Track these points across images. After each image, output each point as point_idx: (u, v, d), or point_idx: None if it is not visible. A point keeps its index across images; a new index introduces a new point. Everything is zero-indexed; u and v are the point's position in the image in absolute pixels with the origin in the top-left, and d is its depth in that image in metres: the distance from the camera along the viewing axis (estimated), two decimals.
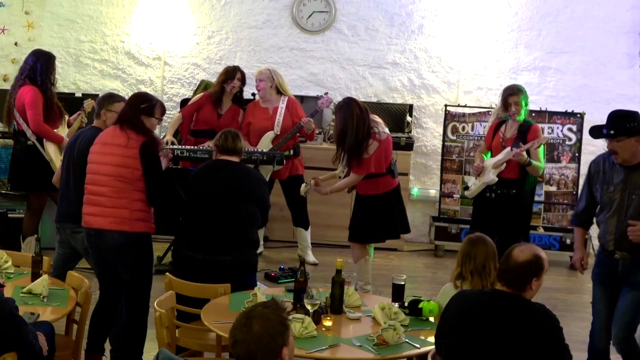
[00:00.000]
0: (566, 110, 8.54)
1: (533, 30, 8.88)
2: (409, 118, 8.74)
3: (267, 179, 7.01)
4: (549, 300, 6.65)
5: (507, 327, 3.50)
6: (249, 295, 4.56)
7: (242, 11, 9.02)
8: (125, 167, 4.80)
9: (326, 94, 7.92)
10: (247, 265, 5.21)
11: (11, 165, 7.30)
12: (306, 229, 7.76)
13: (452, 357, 3.59)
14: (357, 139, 6.19)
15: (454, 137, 8.65)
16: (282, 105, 7.49)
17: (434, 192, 8.95)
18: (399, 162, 6.82)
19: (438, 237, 8.49)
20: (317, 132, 8.00)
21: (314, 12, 8.96)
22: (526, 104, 6.58)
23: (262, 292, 4.61)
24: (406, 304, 4.51)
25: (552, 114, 8.54)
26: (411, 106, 8.85)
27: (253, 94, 7.89)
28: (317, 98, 7.93)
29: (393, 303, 4.57)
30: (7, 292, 4.40)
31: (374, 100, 8.86)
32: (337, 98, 7.74)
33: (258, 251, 6.26)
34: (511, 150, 6.40)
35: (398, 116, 8.70)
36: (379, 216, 6.41)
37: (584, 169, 8.42)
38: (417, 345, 4.09)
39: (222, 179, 5.24)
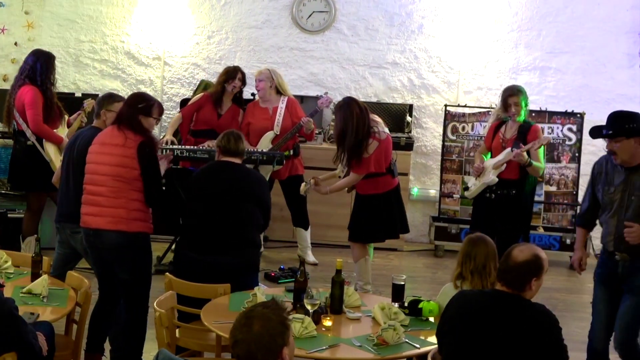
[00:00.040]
0: (566, 110, 8.54)
1: (533, 30, 8.88)
2: (408, 118, 8.74)
3: (267, 179, 7.01)
4: (549, 300, 6.65)
5: (507, 327, 3.50)
6: (248, 295, 4.56)
7: (242, 11, 9.02)
8: (123, 167, 4.79)
9: (326, 93, 7.92)
10: (248, 265, 5.21)
11: (11, 165, 7.30)
12: (306, 229, 7.76)
13: (452, 357, 3.59)
14: (357, 138, 6.20)
15: (454, 137, 8.65)
16: (282, 105, 7.49)
17: (433, 192, 8.95)
18: (399, 162, 6.82)
19: (438, 237, 8.48)
20: (316, 132, 8.00)
21: (313, 12, 8.96)
22: (526, 105, 6.57)
23: (262, 292, 4.61)
24: (406, 304, 4.51)
25: (552, 114, 8.54)
26: (411, 106, 8.85)
27: (253, 94, 7.89)
28: (317, 98, 7.93)
29: (393, 303, 4.57)
30: (7, 292, 4.40)
31: (374, 100, 8.85)
32: (337, 98, 7.73)
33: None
34: (511, 150, 6.39)
35: (398, 116, 8.70)
36: (378, 216, 6.41)
37: (584, 169, 8.46)
38: (417, 346, 4.08)
39: (224, 180, 5.25)
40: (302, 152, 7.74)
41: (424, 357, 3.98)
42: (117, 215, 4.80)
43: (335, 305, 4.51)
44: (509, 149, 6.44)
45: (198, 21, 9.04)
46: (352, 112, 6.21)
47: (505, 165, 6.44)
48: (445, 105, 8.68)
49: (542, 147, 6.46)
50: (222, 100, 7.51)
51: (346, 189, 6.56)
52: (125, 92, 8.64)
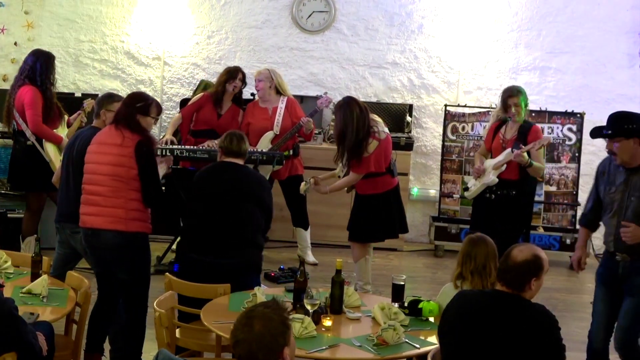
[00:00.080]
0: (566, 110, 8.54)
1: (533, 30, 8.88)
2: (408, 118, 8.74)
3: (267, 179, 7.01)
4: (549, 300, 6.65)
5: (507, 327, 3.50)
6: (248, 295, 4.56)
7: (241, 11, 9.02)
8: (121, 166, 4.79)
9: (325, 93, 7.92)
10: (248, 265, 5.20)
11: (11, 165, 7.30)
12: (306, 229, 7.76)
13: (452, 357, 3.59)
14: (357, 138, 6.20)
15: (454, 137, 8.65)
16: (282, 105, 7.49)
17: (433, 192, 8.94)
18: (399, 162, 6.82)
19: (438, 237, 8.48)
20: (316, 132, 7.99)
21: (313, 12, 8.96)
22: (526, 105, 6.57)
23: (262, 292, 4.61)
24: (406, 304, 4.51)
25: (552, 114, 8.54)
26: (411, 106, 8.85)
27: (252, 94, 7.89)
28: (316, 98, 7.93)
29: (393, 303, 4.57)
30: (7, 292, 4.40)
31: (374, 100, 8.85)
32: (337, 98, 7.72)
33: None
34: (512, 151, 6.39)
35: (398, 116, 8.70)
36: (377, 215, 6.41)
37: (584, 169, 8.47)
38: (417, 346, 4.08)
39: (226, 181, 5.25)
40: (301, 152, 7.74)
41: (424, 357, 3.98)
42: (116, 215, 4.80)
43: (335, 305, 4.51)
44: (509, 150, 6.44)
45: (198, 21, 9.03)
46: (352, 112, 6.21)
47: (505, 165, 6.44)
48: (445, 105, 8.68)
49: (543, 147, 6.46)
50: (222, 100, 7.51)
51: (345, 188, 6.56)
52: (125, 92, 8.62)
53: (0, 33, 8.87)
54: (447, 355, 3.62)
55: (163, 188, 6.96)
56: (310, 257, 7.73)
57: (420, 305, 4.45)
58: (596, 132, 4.82)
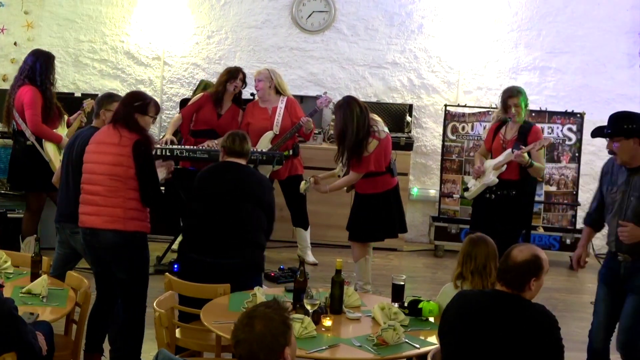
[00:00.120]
0: (566, 110, 8.54)
1: (533, 30, 8.88)
2: (408, 118, 8.74)
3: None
4: (549, 300, 6.65)
5: (507, 327, 3.49)
6: (248, 295, 4.55)
7: (241, 11, 9.02)
8: (119, 166, 4.78)
9: (325, 93, 7.92)
10: (249, 266, 5.19)
11: (10, 165, 7.29)
12: (306, 229, 7.76)
13: (452, 357, 3.59)
14: (358, 137, 6.20)
15: (454, 137, 8.65)
16: (281, 105, 7.49)
17: (433, 192, 8.94)
18: (399, 162, 6.82)
19: (438, 237, 8.48)
20: (315, 132, 7.99)
21: (313, 11, 8.95)
22: (526, 106, 6.57)
23: (262, 292, 4.61)
24: (406, 304, 4.51)
25: (552, 113, 8.54)
26: (411, 106, 8.85)
27: (252, 94, 7.89)
28: (316, 98, 7.93)
29: (393, 303, 4.56)
30: (7, 292, 4.39)
31: (374, 100, 8.85)
32: (337, 98, 7.71)
33: None
34: (512, 152, 6.39)
35: (398, 116, 8.70)
36: (377, 215, 6.41)
37: (584, 169, 8.47)
38: (417, 346, 4.08)
39: (229, 181, 5.25)
40: (301, 152, 7.74)
41: (424, 357, 3.98)
42: (114, 215, 4.79)
43: (335, 305, 4.51)
44: (509, 150, 6.44)
45: (198, 21, 9.03)
46: (352, 111, 6.21)
47: (505, 166, 6.44)
48: (445, 105, 8.67)
49: (543, 148, 6.46)
50: (223, 100, 7.51)
51: (345, 188, 6.56)
52: (124, 92, 8.54)
53: (0, 33, 8.87)
54: (447, 355, 3.62)
55: (162, 188, 6.99)
56: (310, 257, 7.73)
57: (420, 305, 4.44)
58: (597, 132, 4.82)
